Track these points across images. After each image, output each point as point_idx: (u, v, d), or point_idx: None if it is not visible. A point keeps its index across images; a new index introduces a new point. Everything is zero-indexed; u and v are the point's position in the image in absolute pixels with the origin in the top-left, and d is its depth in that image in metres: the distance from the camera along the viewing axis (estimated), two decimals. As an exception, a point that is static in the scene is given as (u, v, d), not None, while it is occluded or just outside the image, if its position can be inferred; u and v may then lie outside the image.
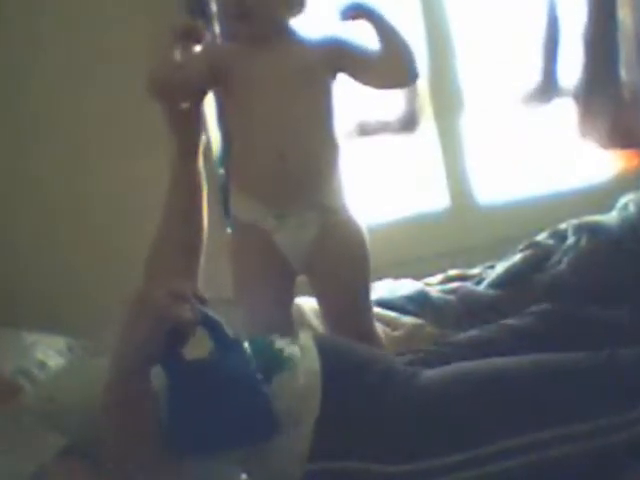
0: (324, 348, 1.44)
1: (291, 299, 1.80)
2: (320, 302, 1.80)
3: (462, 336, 1.68)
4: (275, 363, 1.37)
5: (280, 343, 1.44)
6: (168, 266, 1.67)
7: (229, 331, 1.30)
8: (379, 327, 1.89)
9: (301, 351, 1.44)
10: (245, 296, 1.74)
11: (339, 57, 1.70)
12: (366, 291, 1.77)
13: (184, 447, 1.24)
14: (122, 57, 2.32)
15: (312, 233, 1.70)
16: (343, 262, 1.72)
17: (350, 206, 1.74)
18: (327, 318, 1.78)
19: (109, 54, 2.37)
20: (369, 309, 1.79)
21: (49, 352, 1.85)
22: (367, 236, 1.75)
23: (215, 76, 1.69)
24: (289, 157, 1.66)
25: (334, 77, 1.72)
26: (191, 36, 1.67)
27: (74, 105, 2.42)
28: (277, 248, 1.71)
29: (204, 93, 1.72)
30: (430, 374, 1.44)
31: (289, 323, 1.75)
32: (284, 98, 1.66)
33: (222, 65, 1.68)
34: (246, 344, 1.32)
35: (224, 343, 1.29)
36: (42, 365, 1.81)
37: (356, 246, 1.73)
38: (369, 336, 1.72)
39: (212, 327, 1.28)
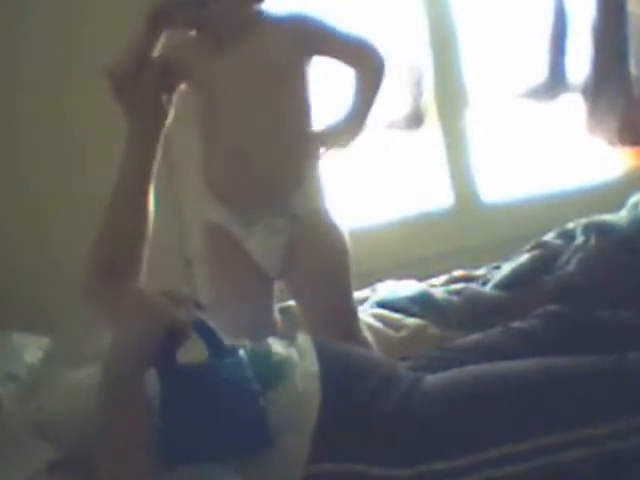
0: (323, 351, 1.43)
1: (269, 302, 1.77)
2: (299, 309, 1.79)
3: (467, 339, 1.67)
4: (272, 375, 1.35)
5: (277, 348, 1.43)
6: (114, 251, 1.65)
7: (224, 339, 1.30)
8: (380, 329, 1.88)
9: (299, 354, 1.43)
10: (218, 299, 1.72)
11: (310, 39, 1.62)
12: (346, 297, 1.73)
13: (176, 453, 1.23)
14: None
15: (282, 241, 1.66)
16: (317, 270, 1.68)
17: (329, 210, 1.68)
18: (307, 325, 1.75)
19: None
20: (351, 316, 1.74)
21: (39, 355, 1.83)
22: (347, 241, 1.70)
23: (179, 73, 1.64)
24: (255, 162, 1.61)
25: (309, 62, 1.64)
26: (161, 21, 1.60)
27: (57, 104, 2.41)
28: (248, 253, 1.68)
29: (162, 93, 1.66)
30: (433, 378, 1.43)
31: (267, 326, 1.72)
32: (249, 97, 1.60)
33: (184, 61, 1.63)
34: (242, 352, 1.31)
35: (218, 351, 1.28)
36: (31, 368, 1.79)
37: (332, 253, 1.69)
38: (355, 343, 1.67)
39: (206, 334, 1.28)
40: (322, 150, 1.67)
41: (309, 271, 1.68)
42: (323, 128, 1.67)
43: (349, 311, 1.74)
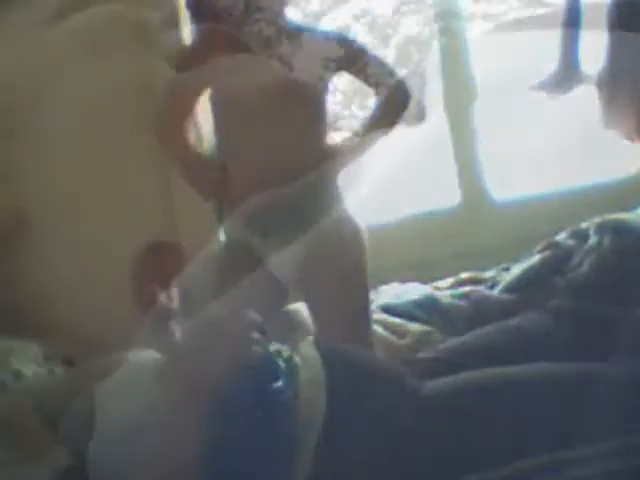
0: (328, 357, 1.41)
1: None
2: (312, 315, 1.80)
3: (472, 341, 1.66)
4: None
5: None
6: None
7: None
8: (384, 335, 1.87)
9: (303, 360, 1.40)
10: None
11: (346, 59, 1.70)
12: (362, 300, 1.75)
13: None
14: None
15: (298, 250, 1.68)
16: (332, 275, 1.70)
17: (345, 213, 1.73)
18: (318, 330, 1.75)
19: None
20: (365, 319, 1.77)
21: (24, 360, 1.83)
22: (364, 240, 1.74)
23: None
24: (274, 176, 1.66)
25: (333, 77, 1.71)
26: None
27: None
28: (264, 264, 1.71)
29: None
30: (441, 388, 1.41)
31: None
32: (269, 117, 1.65)
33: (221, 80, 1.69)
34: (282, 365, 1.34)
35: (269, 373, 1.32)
36: (17, 374, 1.79)
37: (348, 256, 1.72)
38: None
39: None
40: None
41: (324, 280, 1.71)
42: (339, 143, 1.75)
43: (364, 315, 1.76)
